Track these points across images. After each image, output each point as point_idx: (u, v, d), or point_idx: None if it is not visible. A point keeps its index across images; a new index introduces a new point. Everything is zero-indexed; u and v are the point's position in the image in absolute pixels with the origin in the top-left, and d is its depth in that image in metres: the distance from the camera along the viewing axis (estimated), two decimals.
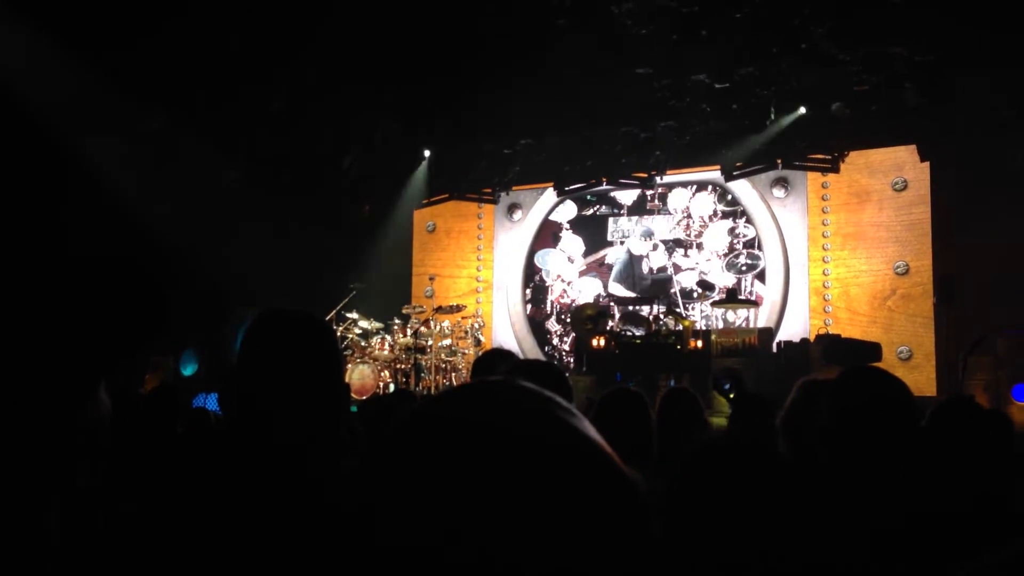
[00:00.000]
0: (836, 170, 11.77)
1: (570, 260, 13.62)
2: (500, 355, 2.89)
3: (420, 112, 11.33)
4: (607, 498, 0.65)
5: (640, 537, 0.66)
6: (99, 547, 1.75)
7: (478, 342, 12.04)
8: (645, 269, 13.03)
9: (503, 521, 0.61)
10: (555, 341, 13.49)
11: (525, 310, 13.78)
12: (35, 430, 1.61)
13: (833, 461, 2.09)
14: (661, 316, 11.25)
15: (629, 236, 13.21)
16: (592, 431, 0.69)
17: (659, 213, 13.07)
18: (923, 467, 2.16)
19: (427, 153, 13.24)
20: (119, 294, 1.70)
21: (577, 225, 13.65)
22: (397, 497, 0.65)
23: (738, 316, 11.97)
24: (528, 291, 13.82)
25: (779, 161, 11.91)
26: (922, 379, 10.67)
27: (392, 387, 11.33)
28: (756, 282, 12.34)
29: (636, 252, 13.11)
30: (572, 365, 12.11)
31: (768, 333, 10.71)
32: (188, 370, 10.88)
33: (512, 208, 14.04)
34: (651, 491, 0.72)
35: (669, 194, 13.01)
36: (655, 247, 13.00)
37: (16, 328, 1.67)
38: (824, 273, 11.85)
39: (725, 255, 12.58)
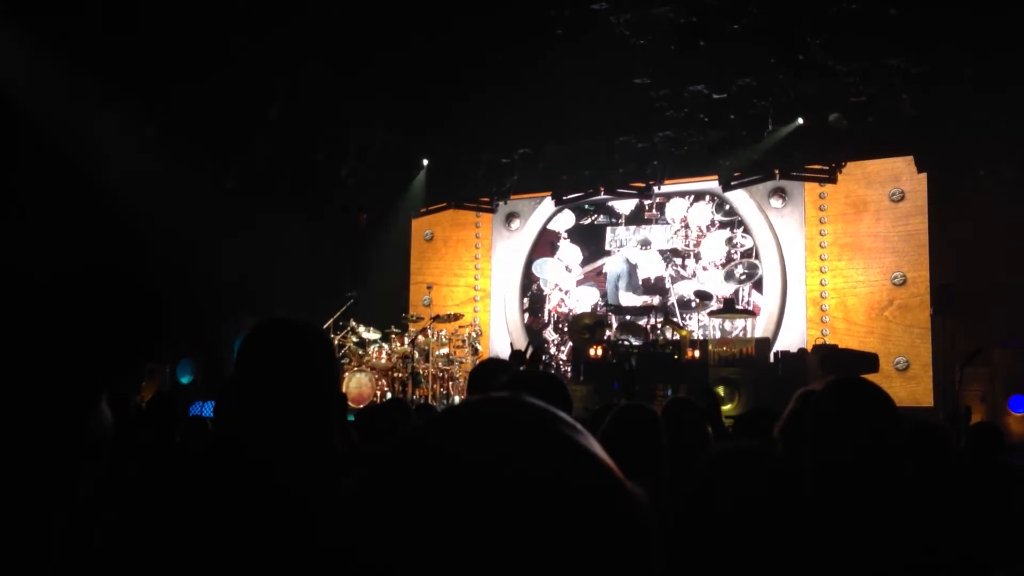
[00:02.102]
0: (833, 180, 11.79)
1: (568, 269, 13.62)
2: (497, 365, 2.87)
3: (418, 121, 11.35)
4: (610, 518, 0.65)
5: (641, 556, 0.65)
6: (96, 560, 1.74)
7: (475, 351, 12.04)
8: (641, 279, 13.03)
9: (503, 544, 0.61)
10: (552, 350, 13.48)
11: (523, 319, 13.77)
12: (37, 444, 1.61)
13: (820, 472, 2.10)
14: (658, 326, 11.25)
15: (625, 245, 13.22)
16: (597, 448, 0.69)
17: (657, 223, 13.09)
18: (905, 481, 2.17)
19: (425, 162, 13.26)
20: (118, 305, 1.70)
21: (575, 234, 13.66)
22: (393, 521, 0.63)
23: (735, 326, 11.97)
24: (526, 300, 13.82)
25: (776, 171, 11.93)
26: (919, 390, 10.67)
27: (389, 395, 11.32)
28: (753, 292, 12.35)
29: (633, 261, 13.12)
30: (569, 374, 12.10)
31: (765, 343, 10.71)
32: (185, 378, 10.87)
33: (510, 217, 14.04)
34: (661, 508, 0.71)
35: (667, 204, 13.03)
36: (651, 254, 13.01)
37: (15, 341, 1.67)
38: (821, 283, 11.86)
39: (723, 265, 12.59)
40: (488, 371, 2.78)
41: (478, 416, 0.69)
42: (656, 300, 12.75)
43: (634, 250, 13.15)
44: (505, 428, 0.67)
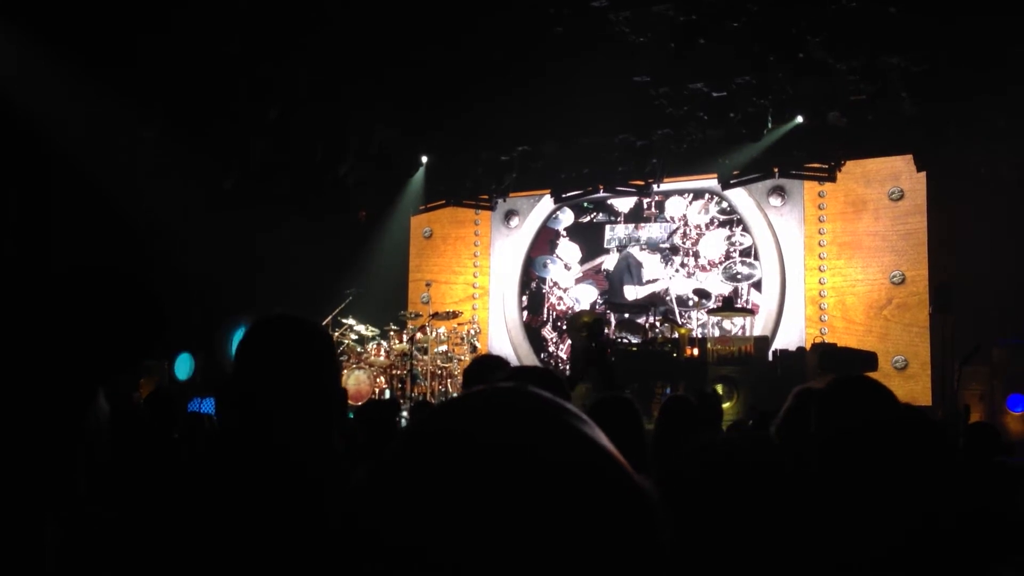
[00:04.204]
0: (833, 179, 11.79)
1: (567, 267, 13.62)
2: (492, 362, 2.85)
3: (417, 119, 11.34)
4: (619, 509, 0.65)
5: (651, 547, 0.66)
6: (98, 555, 1.74)
7: (474, 348, 12.04)
8: (644, 277, 13.03)
9: (513, 535, 0.61)
10: (551, 348, 13.49)
11: (521, 317, 13.78)
12: (37, 437, 1.61)
13: (824, 469, 2.10)
14: (657, 324, 11.25)
15: (625, 244, 13.22)
16: (604, 439, 0.69)
17: (656, 221, 13.08)
18: (913, 478, 2.17)
19: (424, 159, 13.25)
20: (116, 303, 1.70)
21: (574, 232, 13.66)
22: (403, 511, 0.63)
23: (734, 324, 11.97)
24: (524, 298, 13.82)
25: (776, 170, 11.93)
26: (917, 389, 10.68)
27: (388, 393, 11.32)
28: (752, 290, 12.35)
29: (637, 259, 13.12)
30: (568, 372, 12.09)
31: (764, 342, 10.71)
32: (183, 374, 10.88)
33: (509, 215, 14.04)
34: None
35: (666, 202, 13.03)
36: (651, 253, 13.01)
37: (15, 337, 1.67)
38: (820, 282, 11.86)
39: (721, 263, 12.60)
40: (485, 368, 2.77)
41: (490, 404, 0.69)
42: (656, 296, 12.75)
43: (634, 248, 13.14)
44: (516, 416, 0.67)
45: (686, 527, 1.33)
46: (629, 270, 13.14)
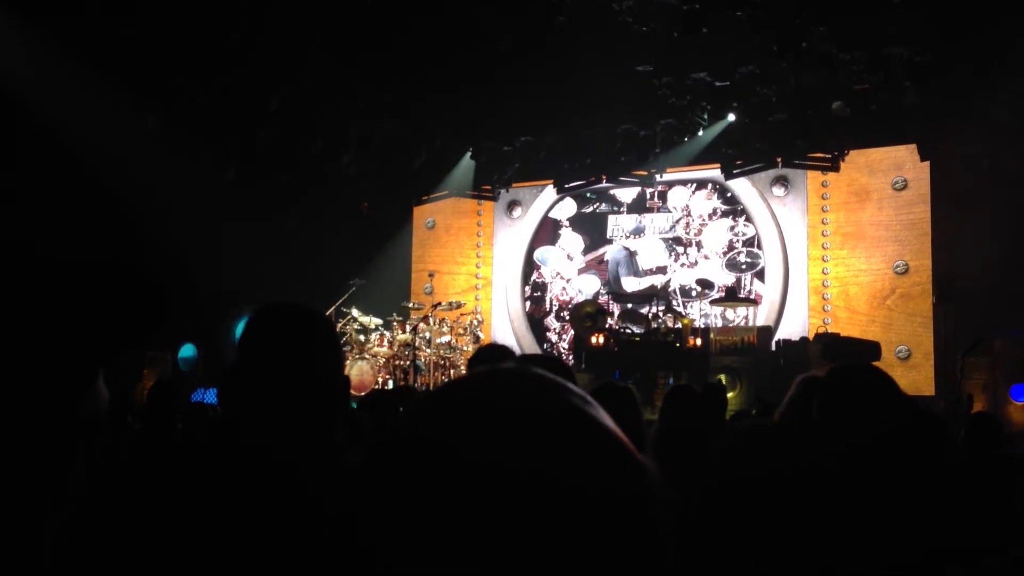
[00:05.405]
0: (836, 169, 11.76)
1: (569, 258, 13.61)
2: (497, 352, 2.84)
3: (420, 109, 11.32)
4: (623, 490, 0.64)
5: (654, 528, 0.65)
6: (95, 546, 1.74)
7: (477, 339, 12.04)
8: (642, 266, 13.02)
9: (512, 513, 0.60)
10: (554, 339, 13.49)
11: (524, 307, 13.78)
12: (37, 422, 1.61)
13: (827, 455, 2.10)
14: (660, 314, 11.25)
15: (626, 234, 13.20)
16: (607, 419, 0.68)
17: (659, 211, 13.06)
18: (914, 467, 2.17)
19: (426, 151, 13.22)
20: (115, 291, 1.71)
21: (577, 223, 13.64)
22: (397, 496, 0.62)
23: (737, 314, 11.96)
24: (527, 288, 13.82)
25: (779, 160, 11.90)
26: (920, 378, 10.67)
27: (391, 384, 11.34)
28: (755, 280, 12.34)
29: (632, 249, 13.11)
30: (571, 363, 12.10)
31: (767, 332, 10.71)
32: (187, 364, 10.90)
33: (512, 205, 14.03)
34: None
35: (669, 192, 13.01)
36: (648, 243, 13.00)
37: (17, 324, 1.67)
38: (823, 272, 11.85)
39: (724, 253, 12.58)
40: (489, 357, 2.77)
41: (491, 383, 0.68)
42: (658, 286, 12.74)
43: (631, 239, 13.13)
44: (516, 394, 0.66)
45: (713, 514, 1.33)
46: (627, 260, 13.12)
